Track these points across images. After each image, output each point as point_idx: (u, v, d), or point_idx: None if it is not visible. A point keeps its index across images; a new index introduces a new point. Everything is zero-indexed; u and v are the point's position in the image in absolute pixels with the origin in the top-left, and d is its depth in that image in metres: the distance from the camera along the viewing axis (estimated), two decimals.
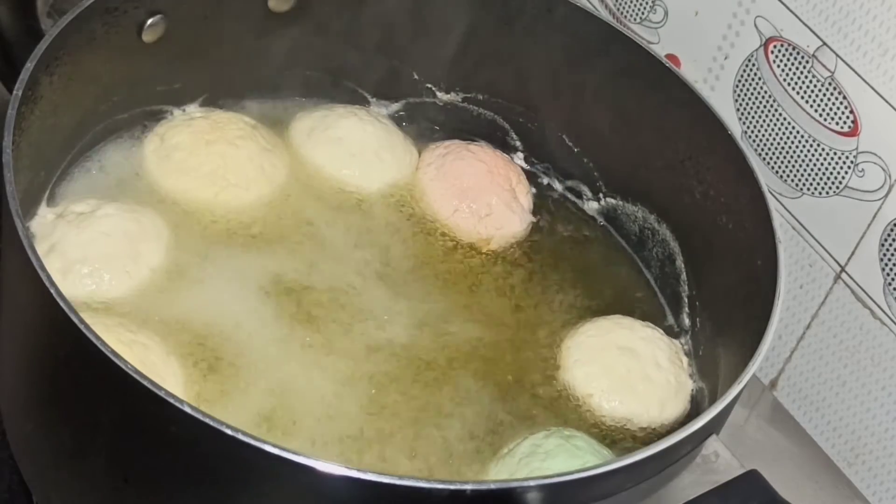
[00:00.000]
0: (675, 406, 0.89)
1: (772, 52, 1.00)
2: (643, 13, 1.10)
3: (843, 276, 1.01)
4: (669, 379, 0.89)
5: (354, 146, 0.98)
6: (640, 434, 0.87)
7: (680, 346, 0.93)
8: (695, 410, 0.90)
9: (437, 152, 1.00)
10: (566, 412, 0.87)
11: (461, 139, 1.04)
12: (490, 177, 0.99)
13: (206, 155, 0.92)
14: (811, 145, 0.99)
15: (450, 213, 0.97)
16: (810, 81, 0.98)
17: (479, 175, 0.99)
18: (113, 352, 0.66)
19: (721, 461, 0.74)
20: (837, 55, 0.95)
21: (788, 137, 1.01)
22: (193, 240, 0.90)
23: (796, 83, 0.99)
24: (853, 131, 0.96)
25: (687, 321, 0.95)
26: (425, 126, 1.05)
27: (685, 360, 0.92)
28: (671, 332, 0.95)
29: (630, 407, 0.87)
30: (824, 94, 0.97)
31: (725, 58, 1.04)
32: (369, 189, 0.97)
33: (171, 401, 0.65)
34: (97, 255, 0.84)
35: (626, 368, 0.89)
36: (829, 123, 0.97)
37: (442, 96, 1.04)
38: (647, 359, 0.89)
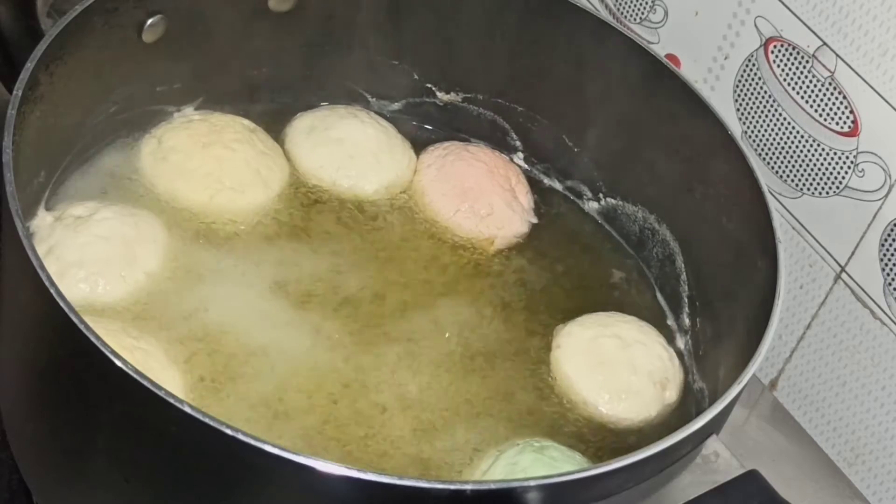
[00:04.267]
0: (618, 407, 0.88)
1: (772, 52, 1.00)
2: (643, 13, 1.10)
3: (843, 276, 1.01)
4: (632, 381, 0.88)
5: (353, 147, 0.98)
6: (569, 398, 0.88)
7: (678, 376, 0.91)
8: (695, 410, 0.90)
9: (437, 153, 1.01)
10: (529, 362, 0.89)
11: (460, 139, 1.04)
12: (490, 177, 0.99)
13: (202, 158, 0.92)
14: (811, 145, 0.99)
15: (451, 214, 0.97)
16: (810, 81, 0.98)
17: (480, 175, 0.99)
18: (113, 352, 0.66)
19: (721, 461, 0.74)
20: (837, 55, 0.95)
21: (788, 137, 1.01)
22: (191, 243, 0.90)
23: (796, 83, 0.99)
24: (853, 131, 0.96)
25: (687, 321, 0.95)
26: (425, 126, 1.05)
27: (673, 386, 0.90)
28: (671, 336, 0.95)
29: (581, 379, 0.88)
30: (824, 94, 0.97)
31: (725, 58, 1.04)
32: (366, 190, 0.97)
33: (171, 401, 0.65)
34: (93, 259, 0.84)
35: (604, 349, 0.89)
36: (829, 123, 0.97)
37: (442, 96, 1.04)
38: (628, 356, 0.89)
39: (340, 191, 0.97)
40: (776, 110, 1.01)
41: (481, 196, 0.98)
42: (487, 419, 0.86)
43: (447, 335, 0.90)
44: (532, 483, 0.67)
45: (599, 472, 0.69)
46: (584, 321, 0.92)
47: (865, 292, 0.99)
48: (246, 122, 0.96)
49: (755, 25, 1.00)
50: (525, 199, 1.00)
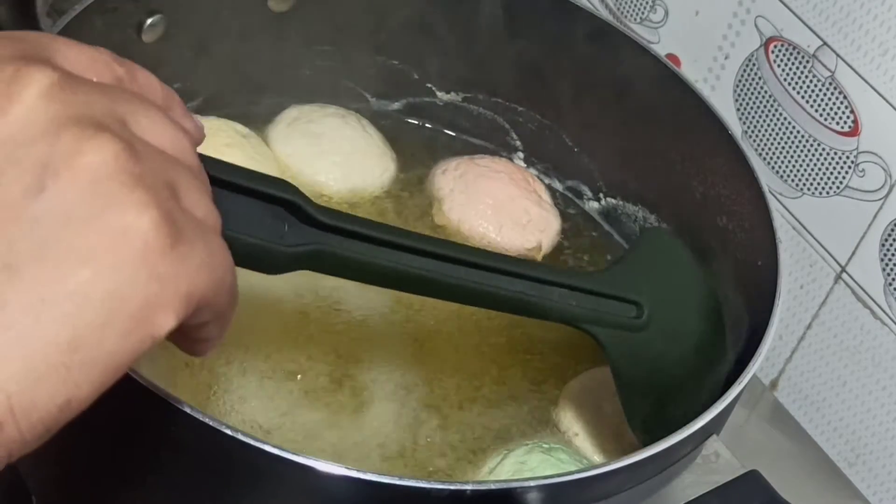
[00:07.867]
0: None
1: (772, 51, 1.00)
2: (643, 13, 1.10)
3: (844, 276, 1.01)
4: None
5: (327, 144, 0.97)
6: None
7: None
8: None
9: (451, 175, 0.98)
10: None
11: (460, 139, 1.04)
12: (514, 184, 0.98)
13: None
14: (811, 145, 0.99)
15: (497, 233, 0.96)
16: (810, 81, 0.98)
17: (505, 185, 0.98)
18: None
19: (721, 461, 0.74)
20: (838, 55, 0.95)
21: (788, 137, 1.01)
22: None
23: (796, 83, 0.99)
24: (853, 131, 0.96)
25: None
26: (425, 125, 1.05)
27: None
28: None
29: (609, 451, 0.84)
30: (824, 94, 0.97)
31: (726, 58, 1.04)
32: (329, 188, 0.96)
33: (171, 401, 0.65)
34: None
35: (616, 413, 0.85)
36: (830, 123, 0.97)
37: (442, 96, 1.04)
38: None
39: (302, 181, 0.95)
40: (776, 110, 1.01)
41: (515, 206, 0.97)
42: (495, 416, 0.86)
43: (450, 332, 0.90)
44: (532, 483, 0.67)
45: (599, 473, 0.69)
46: (586, 385, 0.88)
47: (866, 292, 0.99)
48: (239, 126, 0.95)
49: (755, 25, 1.00)
50: (546, 195, 1.00)
